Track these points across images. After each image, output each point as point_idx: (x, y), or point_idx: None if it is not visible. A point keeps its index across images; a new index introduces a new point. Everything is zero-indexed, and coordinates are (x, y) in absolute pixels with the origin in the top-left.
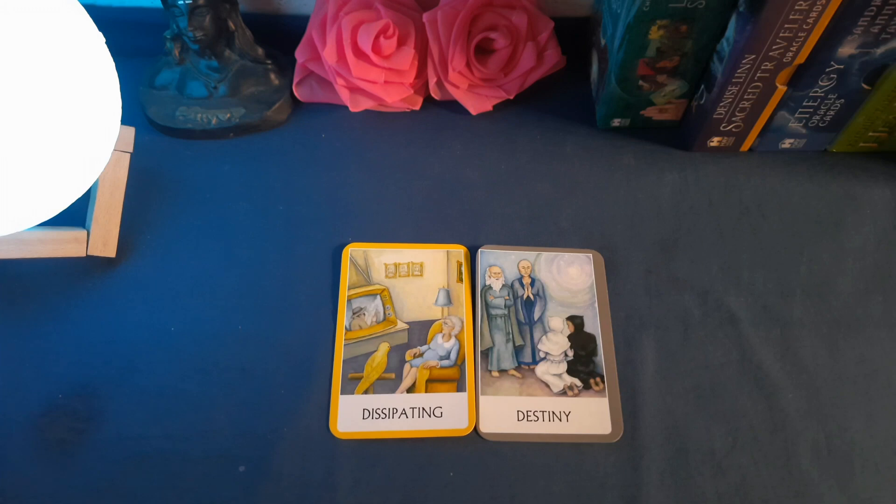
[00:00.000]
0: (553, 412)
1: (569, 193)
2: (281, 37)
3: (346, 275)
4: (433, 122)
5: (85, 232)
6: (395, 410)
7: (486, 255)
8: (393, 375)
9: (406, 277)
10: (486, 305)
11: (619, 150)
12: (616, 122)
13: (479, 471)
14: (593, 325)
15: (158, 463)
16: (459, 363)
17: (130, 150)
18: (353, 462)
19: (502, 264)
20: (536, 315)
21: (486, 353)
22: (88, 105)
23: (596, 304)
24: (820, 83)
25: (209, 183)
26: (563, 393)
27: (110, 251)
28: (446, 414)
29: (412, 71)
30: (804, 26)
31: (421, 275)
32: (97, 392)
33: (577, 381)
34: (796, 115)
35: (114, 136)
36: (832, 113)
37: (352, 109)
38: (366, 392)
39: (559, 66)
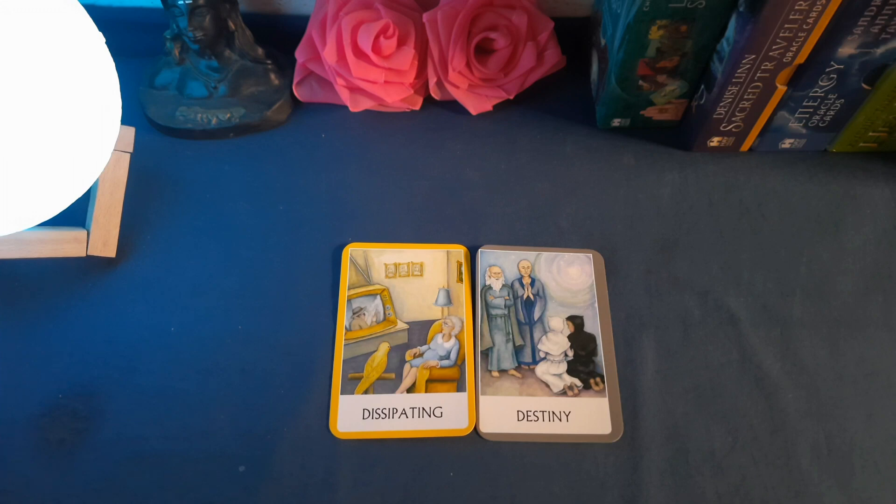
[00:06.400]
0: (553, 412)
1: (569, 193)
2: (281, 37)
3: (346, 275)
4: (433, 122)
5: (85, 232)
6: (395, 410)
7: (486, 255)
8: (393, 375)
9: (406, 277)
10: (486, 305)
11: (619, 150)
12: (616, 122)
13: (479, 471)
14: (593, 325)
15: (158, 463)
16: (459, 363)
17: (130, 150)
18: (353, 462)
19: (502, 264)
20: (536, 315)
21: (486, 353)
22: (88, 105)
23: (596, 304)
24: (820, 83)
25: (209, 183)
26: (563, 393)
27: (110, 251)
28: (446, 414)
29: (412, 71)
30: (804, 26)
31: (421, 275)
32: (97, 392)
33: (577, 381)
34: (796, 115)
35: (114, 136)
36: (832, 113)
37: (352, 109)
38: (366, 392)
39: (559, 66)
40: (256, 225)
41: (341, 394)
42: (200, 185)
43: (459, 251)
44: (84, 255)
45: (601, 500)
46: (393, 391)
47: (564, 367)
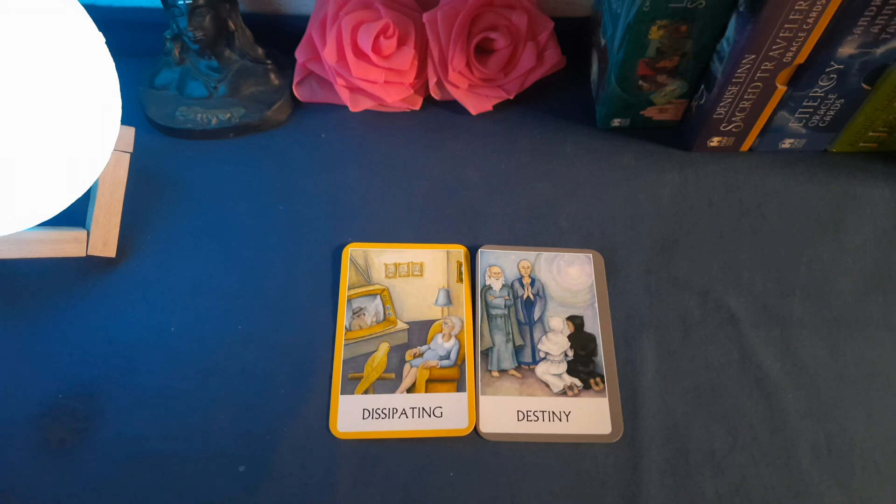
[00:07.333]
0: (553, 412)
1: (569, 193)
2: (281, 37)
3: (346, 275)
4: (433, 122)
5: (85, 232)
6: (395, 410)
7: (486, 255)
8: (393, 375)
9: (406, 277)
10: (486, 305)
11: (619, 150)
12: (616, 122)
13: (479, 471)
14: (593, 325)
15: (158, 463)
16: (459, 363)
17: (130, 150)
18: (353, 462)
19: (502, 264)
20: (536, 315)
21: (486, 353)
22: (88, 105)
23: (596, 304)
24: (820, 83)
25: (209, 183)
26: (563, 393)
27: (110, 251)
28: (446, 414)
29: (412, 71)
30: (804, 26)
31: (421, 275)
32: (97, 392)
33: (577, 381)
34: (796, 115)
35: (114, 136)
36: (832, 113)
37: (352, 109)
38: (366, 392)
39: (559, 66)
40: (256, 225)
41: (341, 394)
42: (200, 185)
43: (459, 251)
44: (84, 255)
45: (601, 500)
46: (393, 391)
47: (564, 367)
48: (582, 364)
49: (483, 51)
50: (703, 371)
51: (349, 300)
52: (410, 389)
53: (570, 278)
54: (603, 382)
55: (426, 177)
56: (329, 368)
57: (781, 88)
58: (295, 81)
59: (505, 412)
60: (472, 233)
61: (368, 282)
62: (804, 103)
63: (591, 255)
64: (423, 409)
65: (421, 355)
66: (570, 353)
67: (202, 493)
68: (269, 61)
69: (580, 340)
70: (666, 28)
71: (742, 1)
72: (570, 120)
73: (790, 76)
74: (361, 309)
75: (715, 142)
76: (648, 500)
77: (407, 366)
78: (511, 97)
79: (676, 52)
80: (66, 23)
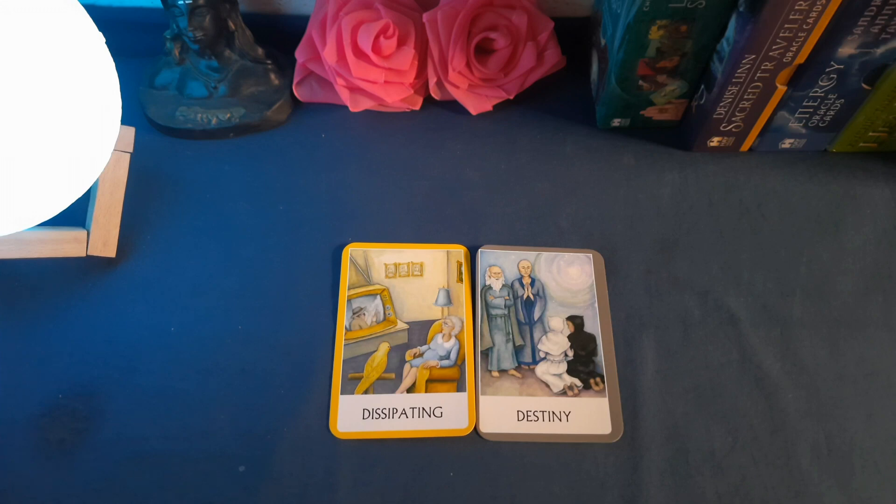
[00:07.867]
0: (553, 412)
1: (569, 193)
2: (281, 37)
3: (346, 275)
4: (433, 122)
5: (85, 232)
6: (395, 410)
7: (486, 255)
8: (393, 375)
9: (406, 277)
10: (486, 305)
11: (619, 150)
12: (616, 122)
13: (479, 471)
14: (593, 325)
15: (158, 463)
16: (459, 363)
17: (130, 150)
18: (353, 462)
19: (502, 264)
20: (536, 315)
21: (486, 353)
22: (88, 105)
23: (596, 304)
24: (820, 83)
25: (209, 183)
26: (563, 393)
27: (110, 251)
28: (446, 414)
29: (412, 71)
30: (804, 26)
31: (421, 275)
32: (97, 392)
33: (577, 381)
34: (796, 115)
35: (114, 136)
36: (832, 113)
37: (352, 109)
38: (366, 392)
39: (559, 66)
40: (256, 225)
41: (341, 394)
42: (200, 185)
43: (459, 251)
44: (84, 255)
45: (601, 500)
46: (393, 391)
47: (564, 367)
48: (582, 364)
49: (483, 51)
50: (703, 371)
51: (349, 300)
52: (410, 389)
53: (570, 278)
54: (603, 382)
55: (426, 177)
56: (329, 368)
57: (781, 88)
58: (295, 81)
59: (505, 412)
60: (472, 233)
61: (368, 282)
62: (804, 103)
63: (591, 255)
64: (423, 409)
65: (421, 355)
66: (570, 353)
67: (202, 493)
68: (269, 61)
69: (580, 340)
70: (666, 28)
71: (742, 1)
72: (570, 120)
73: (790, 76)
74: (361, 309)
75: (715, 142)
76: (648, 500)
77: (407, 366)
78: (511, 97)
79: (676, 52)
80: (66, 23)
